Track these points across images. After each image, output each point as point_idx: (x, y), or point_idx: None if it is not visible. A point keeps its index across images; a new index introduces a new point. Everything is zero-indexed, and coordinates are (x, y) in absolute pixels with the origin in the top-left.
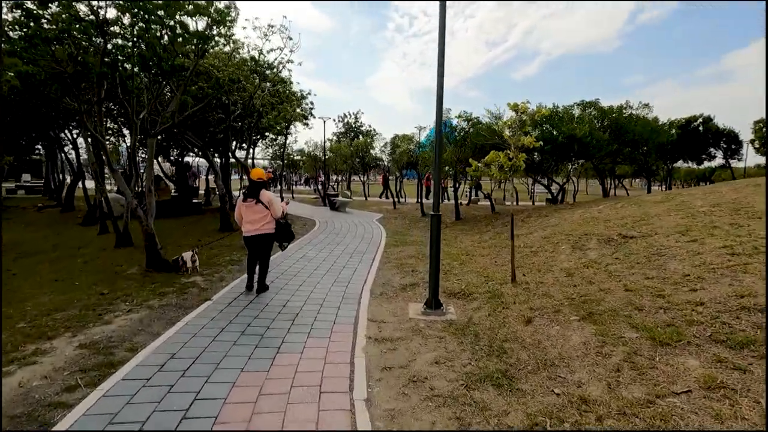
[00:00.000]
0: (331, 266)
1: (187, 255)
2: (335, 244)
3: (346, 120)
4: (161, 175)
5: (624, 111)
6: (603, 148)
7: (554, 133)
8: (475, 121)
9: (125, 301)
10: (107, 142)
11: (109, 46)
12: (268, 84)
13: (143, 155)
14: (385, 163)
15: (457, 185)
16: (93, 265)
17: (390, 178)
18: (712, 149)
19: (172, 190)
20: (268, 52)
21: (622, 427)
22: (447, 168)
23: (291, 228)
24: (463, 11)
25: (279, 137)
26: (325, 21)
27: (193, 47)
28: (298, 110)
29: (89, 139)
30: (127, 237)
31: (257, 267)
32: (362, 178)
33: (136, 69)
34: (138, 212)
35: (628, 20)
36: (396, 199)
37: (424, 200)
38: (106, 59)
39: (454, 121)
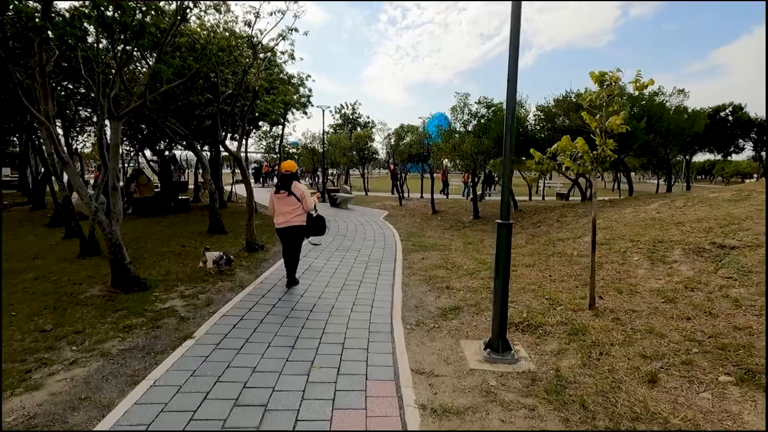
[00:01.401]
0: (345, 281)
1: (211, 255)
2: (344, 250)
3: (343, 111)
4: (143, 169)
5: (655, 98)
6: (639, 138)
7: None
8: (498, 107)
9: (73, 344)
10: (80, 132)
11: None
12: (262, 56)
13: (128, 147)
14: (386, 157)
15: (476, 180)
16: (45, 282)
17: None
18: (740, 140)
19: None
20: (262, 33)
21: None
22: (461, 161)
23: (324, 222)
24: (456, 4)
25: (274, 128)
26: (319, 14)
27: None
28: (296, 96)
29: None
30: (93, 244)
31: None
32: (361, 172)
33: (91, 27)
34: (99, 216)
35: (620, 15)
36: (408, 195)
37: (439, 196)
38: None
39: (450, 118)
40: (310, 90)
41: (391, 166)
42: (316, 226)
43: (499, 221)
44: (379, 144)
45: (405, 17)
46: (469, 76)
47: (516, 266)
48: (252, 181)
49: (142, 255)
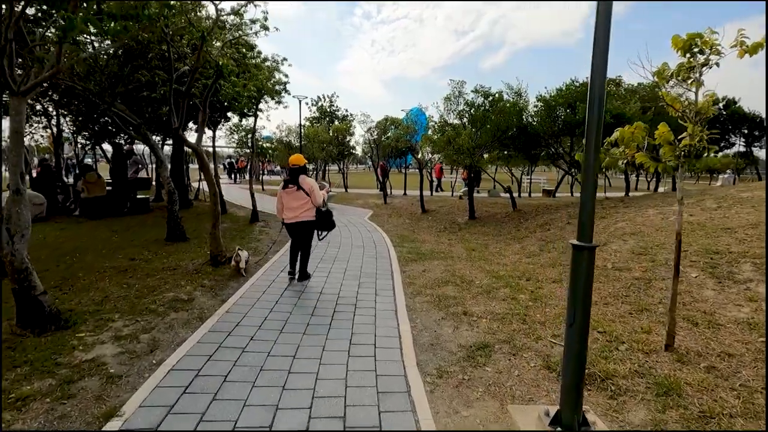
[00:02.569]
0: (335, 307)
1: (245, 254)
2: (330, 260)
3: (320, 104)
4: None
5: (656, 89)
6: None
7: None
8: (497, 96)
9: None
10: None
11: None
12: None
13: (83, 140)
14: (370, 152)
15: (472, 175)
16: None
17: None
18: (731, 135)
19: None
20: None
21: None
22: (458, 156)
23: (332, 217)
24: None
25: (244, 120)
26: (291, 5)
27: None
28: (270, 82)
29: None
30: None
31: (299, 255)
32: (341, 168)
33: None
34: None
35: (590, 13)
36: (390, 192)
37: (435, 193)
38: None
39: (441, 110)
40: (286, 76)
41: (381, 162)
42: (324, 221)
43: (577, 242)
44: (360, 137)
45: (380, 12)
46: (444, 72)
47: (540, 281)
48: (225, 177)
49: (75, 273)
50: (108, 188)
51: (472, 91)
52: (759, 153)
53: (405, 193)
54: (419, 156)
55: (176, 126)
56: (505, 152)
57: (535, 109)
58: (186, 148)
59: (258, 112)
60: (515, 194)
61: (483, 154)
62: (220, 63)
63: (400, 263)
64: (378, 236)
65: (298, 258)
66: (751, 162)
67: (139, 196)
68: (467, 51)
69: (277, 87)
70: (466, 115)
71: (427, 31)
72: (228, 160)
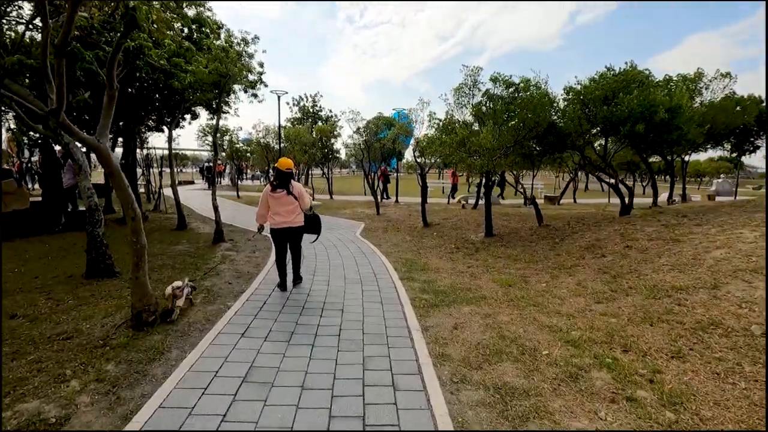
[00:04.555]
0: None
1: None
2: (317, 308)
3: (302, 104)
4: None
5: (690, 84)
6: (684, 129)
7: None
8: (521, 85)
9: None
10: None
11: None
12: None
13: (34, 136)
14: (360, 155)
15: (490, 183)
16: None
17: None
18: (757, 138)
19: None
20: None
21: None
22: (479, 159)
23: (320, 220)
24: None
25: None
26: (274, 8)
27: None
28: (240, 64)
29: None
30: None
31: (289, 261)
32: (324, 172)
33: None
34: None
35: (568, 20)
36: (381, 199)
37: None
38: None
39: (450, 102)
40: (261, 65)
41: (382, 167)
42: (312, 224)
43: None
44: (348, 139)
45: (363, 16)
46: (425, 76)
47: (646, 353)
48: (202, 182)
49: None
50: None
51: (490, 79)
52: (746, 159)
53: (397, 200)
54: (420, 160)
55: (54, 107)
56: (524, 154)
57: (563, 103)
58: (157, 151)
59: (224, 106)
60: (515, 202)
61: (502, 156)
62: (131, 4)
63: (416, 310)
64: (377, 262)
65: (287, 266)
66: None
67: (81, 209)
68: (448, 55)
69: (249, 76)
70: (486, 110)
71: (410, 36)
72: (206, 164)
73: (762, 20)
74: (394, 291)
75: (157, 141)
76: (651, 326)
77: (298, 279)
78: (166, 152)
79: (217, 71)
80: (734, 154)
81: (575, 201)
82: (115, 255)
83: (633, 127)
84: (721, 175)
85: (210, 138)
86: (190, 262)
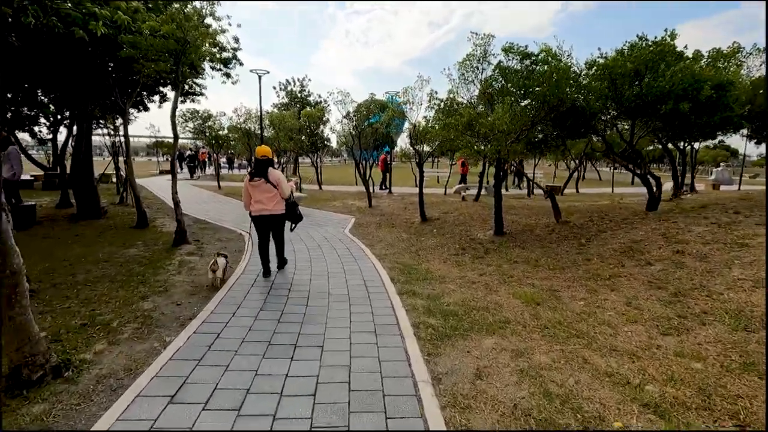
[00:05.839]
0: None
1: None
2: (286, 353)
3: (289, 88)
4: None
5: (699, 59)
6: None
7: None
8: (540, 57)
9: None
10: None
11: None
12: None
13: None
14: (350, 142)
15: (501, 173)
16: None
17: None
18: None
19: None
20: None
21: None
22: (491, 144)
23: (298, 208)
24: None
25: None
26: None
27: None
28: (203, 29)
29: None
30: None
31: (271, 248)
32: (313, 161)
33: None
34: None
35: (560, 10)
36: (374, 190)
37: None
38: None
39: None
40: (237, 40)
41: (382, 155)
42: (291, 213)
43: None
44: (337, 124)
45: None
46: (417, 64)
47: None
48: (184, 170)
49: None
50: None
51: (502, 50)
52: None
53: (390, 191)
54: (419, 147)
55: None
56: (530, 140)
57: (586, 79)
58: (120, 138)
59: (188, 84)
60: (518, 192)
61: (516, 141)
62: None
63: (421, 344)
64: (368, 268)
65: (270, 252)
66: (732, 155)
67: (26, 203)
68: (441, 43)
69: (223, 54)
70: (498, 85)
71: (403, 23)
72: (188, 152)
73: (759, 8)
74: (391, 312)
75: (137, 128)
76: (759, 379)
77: (282, 262)
78: (143, 140)
79: (174, 36)
80: (754, 141)
81: (578, 191)
82: (49, 263)
83: (676, 106)
84: (721, 164)
85: (190, 124)
86: (138, 272)
